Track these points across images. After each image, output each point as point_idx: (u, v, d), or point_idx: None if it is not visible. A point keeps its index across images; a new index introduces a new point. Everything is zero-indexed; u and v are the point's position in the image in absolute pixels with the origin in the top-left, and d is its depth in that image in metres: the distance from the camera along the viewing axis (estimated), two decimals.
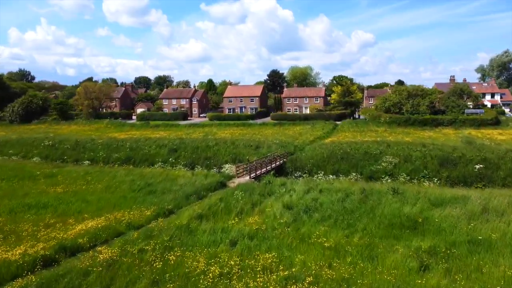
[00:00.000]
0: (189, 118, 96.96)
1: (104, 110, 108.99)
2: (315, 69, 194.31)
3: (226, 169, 31.08)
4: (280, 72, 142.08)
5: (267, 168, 33.56)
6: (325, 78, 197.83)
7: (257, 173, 30.92)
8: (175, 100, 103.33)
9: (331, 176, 32.02)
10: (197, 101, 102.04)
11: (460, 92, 78.32)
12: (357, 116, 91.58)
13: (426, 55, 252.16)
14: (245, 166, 31.19)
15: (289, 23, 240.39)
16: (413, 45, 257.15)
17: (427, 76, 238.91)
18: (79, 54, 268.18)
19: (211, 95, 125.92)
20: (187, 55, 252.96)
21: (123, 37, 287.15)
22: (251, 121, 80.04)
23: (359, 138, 52.09)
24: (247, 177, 29.73)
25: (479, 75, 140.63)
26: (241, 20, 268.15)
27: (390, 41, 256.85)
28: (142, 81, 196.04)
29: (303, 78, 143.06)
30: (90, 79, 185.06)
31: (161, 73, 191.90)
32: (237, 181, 28.84)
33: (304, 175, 34.87)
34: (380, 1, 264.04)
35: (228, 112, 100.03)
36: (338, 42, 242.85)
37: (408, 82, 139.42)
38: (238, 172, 29.99)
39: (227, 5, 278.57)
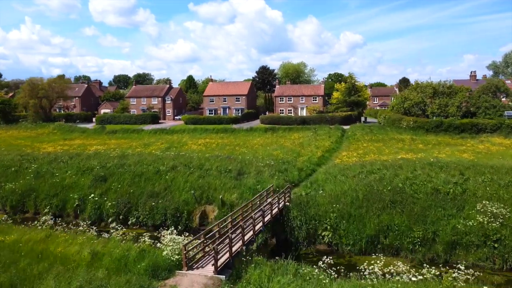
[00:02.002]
0: (160, 121, 79.78)
1: (63, 111, 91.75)
2: (309, 66, 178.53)
3: (168, 243, 14.20)
4: (270, 69, 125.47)
5: (255, 229, 17.02)
6: (319, 77, 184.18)
7: (233, 249, 14.35)
8: (145, 99, 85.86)
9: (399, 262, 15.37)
10: (171, 100, 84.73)
11: (494, 89, 63.09)
12: (363, 119, 75.60)
13: (414, 57, 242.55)
14: (206, 240, 14.32)
15: (278, 24, 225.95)
16: (401, 47, 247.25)
17: (415, 77, 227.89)
18: (65, 54, 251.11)
19: (191, 93, 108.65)
20: (175, 56, 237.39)
21: (110, 37, 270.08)
22: (235, 126, 63.37)
23: (388, 154, 35.94)
24: (209, 269, 13.10)
25: (490, 72, 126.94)
26: (230, 21, 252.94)
27: (378, 42, 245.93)
28: (122, 80, 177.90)
29: (296, 76, 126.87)
30: (61, 77, 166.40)
31: (152, 74, 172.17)
32: (184, 282, 12.20)
33: (325, 234, 18.58)
34: (368, 3, 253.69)
35: (209, 113, 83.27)
36: (327, 44, 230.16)
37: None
38: (188, 258, 13.24)
39: (216, 5, 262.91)
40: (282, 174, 26.88)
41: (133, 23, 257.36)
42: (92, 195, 24.39)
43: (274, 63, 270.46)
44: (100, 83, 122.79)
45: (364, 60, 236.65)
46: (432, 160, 27.59)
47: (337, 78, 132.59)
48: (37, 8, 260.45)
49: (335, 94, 76.09)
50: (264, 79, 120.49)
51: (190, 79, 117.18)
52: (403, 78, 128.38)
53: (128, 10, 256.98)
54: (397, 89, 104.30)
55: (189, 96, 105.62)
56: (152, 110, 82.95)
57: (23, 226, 19.28)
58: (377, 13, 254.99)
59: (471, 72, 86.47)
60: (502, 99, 64.34)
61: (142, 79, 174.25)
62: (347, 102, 73.02)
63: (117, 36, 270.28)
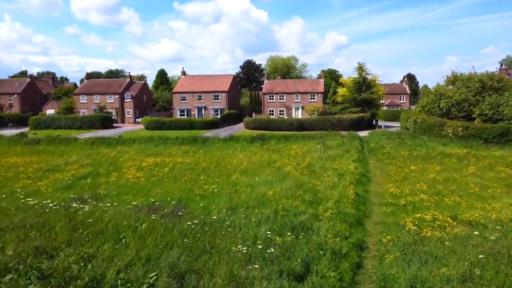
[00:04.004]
0: (116, 125, 62.05)
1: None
2: (301, 61, 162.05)
3: None
4: (256, 63, 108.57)
5: None
6: (312, 73, 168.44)
7: None
8: (99, 97, 67.94)
9: None
10: (131, 98, 66.90)
11: None
12: (374, 122, 59.39)
13: (399, 58, 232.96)
14: None
15: (264, 24, 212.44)
16: (386, 48, 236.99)
17: (400, 78, 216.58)
18: (47, 53, 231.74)
19: (162, 90, 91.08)
20: (160, 55, 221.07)
21: (93, 36, 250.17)
22: (208, 134, 46.19)
23: (486, 195, 19.46)
24: None
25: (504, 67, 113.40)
26: (215, 20, 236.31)
27: (363, 43, 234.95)
28: (95, 77, 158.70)
29: (286, 71, 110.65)
30: (24, 73, 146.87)
31: (134, 73, 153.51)
32: None
33: None
34: (354, 5, 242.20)
35: (181, 115, 65.97)
36: (313, 44, 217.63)
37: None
38: None
39: (201, 4, 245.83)
40: (299, 285, 9.90)
41: (117, 22, 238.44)
42: None
43: (260, 63, 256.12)
44: (53, 78, 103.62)
45: (349, 61, 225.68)
46: None
47: (330, 74, 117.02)
48: (17, 5, 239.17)
49: (341, 91, 59.65)
50: (250, 75, 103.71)
51: (162, 73, 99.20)
52: (408, 74, 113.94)
53: (111, 8, 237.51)
54: (406, 86, 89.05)
55: (159, 94, 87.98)
56: (105, 111, 64.96)
57: None
58: (362, 14, 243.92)
59: (501, 65, 71.33)
60: None
61: (115, 76, 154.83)
62: (356, 100, 56.76)
63: (100, 35, 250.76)
